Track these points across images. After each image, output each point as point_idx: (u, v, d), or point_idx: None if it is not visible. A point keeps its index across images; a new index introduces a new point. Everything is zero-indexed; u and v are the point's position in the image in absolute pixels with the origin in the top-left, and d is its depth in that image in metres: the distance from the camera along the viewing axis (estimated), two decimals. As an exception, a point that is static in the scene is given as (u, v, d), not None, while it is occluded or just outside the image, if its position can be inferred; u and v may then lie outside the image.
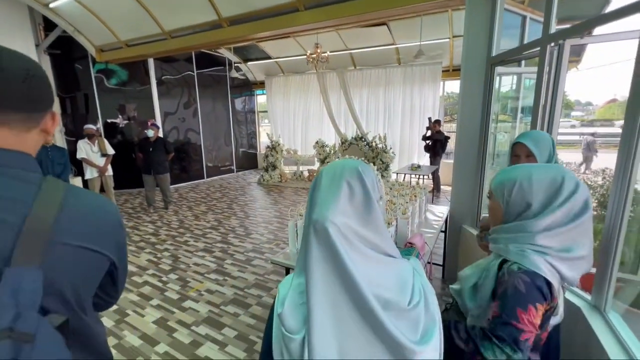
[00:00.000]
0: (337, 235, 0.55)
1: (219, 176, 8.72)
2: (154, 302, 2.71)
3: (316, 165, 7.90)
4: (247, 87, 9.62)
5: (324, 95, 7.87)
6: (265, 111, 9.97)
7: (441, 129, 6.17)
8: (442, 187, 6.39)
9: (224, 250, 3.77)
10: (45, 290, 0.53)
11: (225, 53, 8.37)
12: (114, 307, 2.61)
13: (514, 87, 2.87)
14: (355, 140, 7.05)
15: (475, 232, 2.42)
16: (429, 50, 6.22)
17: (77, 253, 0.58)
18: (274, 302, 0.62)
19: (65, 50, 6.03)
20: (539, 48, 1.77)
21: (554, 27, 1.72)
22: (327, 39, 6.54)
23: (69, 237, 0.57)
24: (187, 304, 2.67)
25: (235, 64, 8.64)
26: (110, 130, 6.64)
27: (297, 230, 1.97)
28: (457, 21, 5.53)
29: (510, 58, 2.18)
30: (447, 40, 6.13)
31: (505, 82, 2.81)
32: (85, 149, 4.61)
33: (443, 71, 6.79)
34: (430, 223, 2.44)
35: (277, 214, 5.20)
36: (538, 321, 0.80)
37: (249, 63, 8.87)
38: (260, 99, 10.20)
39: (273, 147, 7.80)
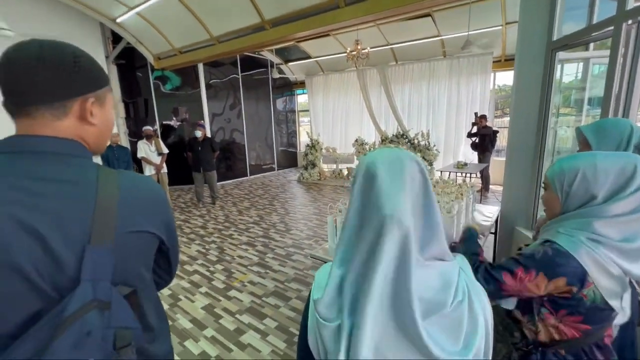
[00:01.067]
0: (410, 234, 0.52)
1: (261, 174, 9.07)
2: (203, 289, 2.91)
3: (355, 163, 7.84)
4: (288, 88, 9.86)
5: (364, 92, 7.78)
6: (306, 110, 10.13)
7: (488, 124, 5.75)
8: (491, 186, 5.96)
9: (265, 244, 3.92)
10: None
11: (267, 55, 8.66)
12: (169, 291, 2.86)
13: (579, 75, 2.58)
14: (396, 137, 6.86)
15: (530, 234, 2.22)
16: (478, 40, 5.82)
17: (134, 236, 0.63)
18: (311, 289, 0.62)
19: (129, 60, 6.71)
20: (612, 27, 1.57)
21: (632, 3, 1.50)
22: (368, 35, 6.44)
23: (129, 224, 0.62)
24: (232, 293, 2.83)
25: (277, 65, 8.90)
26: (166, 131, 7.26)
27: (336, 227, 1.98)
28: (511, 7, 5.10)
29: (576, 41, 1.96)
30: (499, 27, 5.68)
31: (568, 70, 2.53)
32: (144, 149, 5.10)
33: (494, 62, 6.30)
34: (479, 223, 2.29)
35: (316, 211, 5.26)
36: (538, 290, 0.83)
37: (290, 64, 9.07)
38: (300, 98, 10.39)
39: (312, 146, 7.90)
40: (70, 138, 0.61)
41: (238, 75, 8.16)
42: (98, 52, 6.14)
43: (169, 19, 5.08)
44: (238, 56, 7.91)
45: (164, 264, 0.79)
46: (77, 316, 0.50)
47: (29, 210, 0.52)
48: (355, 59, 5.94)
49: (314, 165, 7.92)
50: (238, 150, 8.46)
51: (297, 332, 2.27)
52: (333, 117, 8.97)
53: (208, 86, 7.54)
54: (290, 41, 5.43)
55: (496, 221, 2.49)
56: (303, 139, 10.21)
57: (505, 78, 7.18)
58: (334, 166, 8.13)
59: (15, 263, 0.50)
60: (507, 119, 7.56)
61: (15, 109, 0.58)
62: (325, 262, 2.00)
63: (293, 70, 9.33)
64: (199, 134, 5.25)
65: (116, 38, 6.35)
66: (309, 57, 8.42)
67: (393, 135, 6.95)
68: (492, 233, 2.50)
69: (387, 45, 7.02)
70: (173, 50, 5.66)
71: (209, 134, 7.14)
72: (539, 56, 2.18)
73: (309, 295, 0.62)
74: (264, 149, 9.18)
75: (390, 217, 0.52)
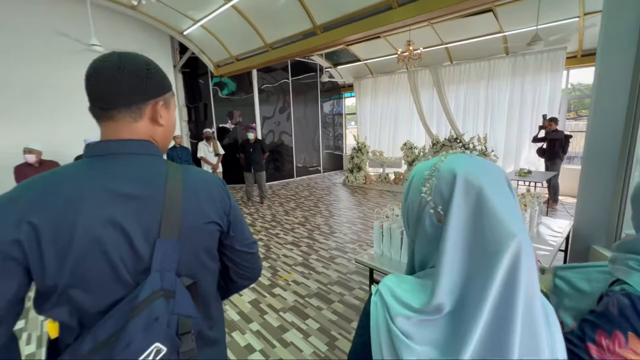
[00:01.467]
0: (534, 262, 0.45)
1: (307, 176, 9.25)
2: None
3: (403, 168, 7.58)
4: (336, 91, 9.93)
5: (414, 94, 7.50)
6: (353, 113, 10.10)
7: (558, 127, 5.13)
8: (560, 197, 5.31)
9: (309, 245, 3.98)
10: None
11: (317, 59, 8.83)
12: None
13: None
14: (448, 141, 6.48)
15: (610, 254, 1.92)
16: (549, 34, 5.24)
17: (197, 227, 0.68)
18: (369, 298, 0.54)
19: (193, 68, 7.36)
20: None
21: None
22: (420, 35, 6.20)
23: (192, 216, 0.67)
24: (277, 290, 2.92)
25: (326, 69, 9.02)
26: (221, 134, 7.80)
27: (382, 232, 1.93)
28: (590, -5, 4.51)
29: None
30: (575, 19, 5.06)
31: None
32: (203, 149, 5.54)
33: (568, 58, 5.63)
34: (545, 239, 2.05)
35: (361, 215, 5.19)
36: (633, 357, 0.60)
37: (339, 67, 9.14)
38: (348, 101, 10.39)
39: (359, 149, 7.83)
40: (145, 139, 0.69)
41: (288, 79, 8.45)
42: (167, 62, 6.84)
43: (227, 28, 5.47)
44: (289, 61, 8.19)
45: (238, 257, 0.81)
46: (147, 303, 0.56)
47: (116, 208, 0.59)
48: (407, 60, 5.76)
49: (359, 168, 7.85)
50: (286, 152, 8.74)
51: (339, 337, 2.25)
52: (381, 120, 8.81)
53: (260, 91, 7.94)
54: (341, 45, 5.47)
55: (567, 238, 2.20)
56: (349, 142, 10.19)
57: (581, 76, 6.37)
58: (380, 170, 7.96)
59: (106, 256, 0.58)
60: (582, 122, 6.68)
61: (101, 114, 0.66)
62: (370, 268, 1.94)
63: (342, 73, 9.38)
64: (251, 136, 5.55)
65: (182, 49, 7.01)
66: (357, 60, 8.40)
67: (445, 139, 6.58)
68: (561, 250, 2.21)
69: (441, 44, 6.68)
70: (231, 57, 6.07)
71: (259, 136, 7.51)
72: (628, 49, 1.88)
73: (367, 306, 0.54)
74: (310, 152, 9.36)
75: (519, 242, 0.44)
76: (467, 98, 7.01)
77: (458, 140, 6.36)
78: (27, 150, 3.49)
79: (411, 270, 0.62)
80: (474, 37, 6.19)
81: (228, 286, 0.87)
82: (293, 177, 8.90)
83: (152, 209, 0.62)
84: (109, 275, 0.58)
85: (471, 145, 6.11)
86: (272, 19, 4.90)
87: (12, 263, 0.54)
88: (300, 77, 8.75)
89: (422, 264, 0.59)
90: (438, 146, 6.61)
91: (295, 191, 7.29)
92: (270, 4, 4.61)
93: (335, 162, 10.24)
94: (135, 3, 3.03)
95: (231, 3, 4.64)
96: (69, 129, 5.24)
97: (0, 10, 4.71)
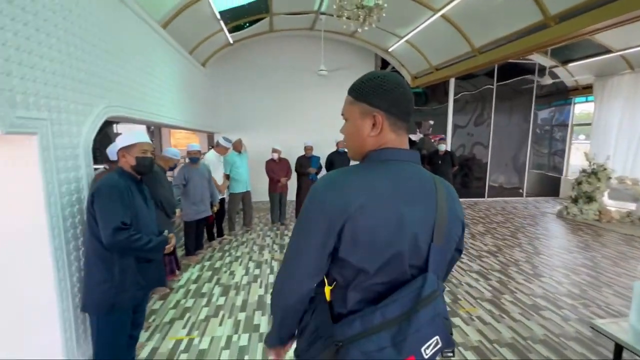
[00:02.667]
0: None
1: (503, 198, 7.77)
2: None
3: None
4: (561, 95, 7.74)
5: None
6: (586, 124, 7.55)
7: None
8: None
9: (502, 282, 3.29)
10: None
11: (536, 58, 7.21)
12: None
13: None
14: None
15: None
16: None
17: (452, 236, 0.74)
18: None
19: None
20: None
21: None
22: None
23: (453, 226, 0.74)
24: (456, 320, 2.59)
25: (550, 68, 7.20)
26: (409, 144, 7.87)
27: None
28: None
29: None
30: None
31: None
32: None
33: None
34: None
35: (590, 264, 3.77)
36: None
37: (570, 64, 7.05)
38: (578, 108, 7.85)
39: (593, 173, 5.74)
40: (411, 150, 0.77)
41: (492, 85, 7.40)
42: (370, 78, 7.65)
43: (430, 39, 5.42)
44: (495, 65, 7.14)
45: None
46: (431, 299, 0.63)
47: (407, 209, 0.67)
48: None
49: (590, 199, 5.74)
50: (477, 167, 7.71)
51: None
52: (635, 135, 6.06)
53: (456, 99, 7.39)
54: (582, 36, 4.17)
55: None
56: (574, 162, 7.70)
57: None
58: (631, 206, 5.49)
59: (400, 248, 0.67)
60: None
61: (402, 125, 0.75)
62: (617, 345, 1.35)
63: (573, 71, 7.20)
64: (443, 147, 5.26)
65: (384, 65, 7.62)
66: (606, 52, 6.15)
67: None
68: None
69: None
70: (430, 68, 6.00)
71: (448, 148, 7.01)
72: None
73: None
74: (509, 169, 7.80)
75: None
76: None
77: None
78: (274, 150, 4.89)
79: None
80: None
81: None
82: (483, 196, 7.72)
83: (431, 213, 0.70)
84: (400, 266, 0.68)
85: None
86: (483, 21, 4.42)
87: (337, 229, 0.66)
88: (509, 81, 7.44)
89: None
90: None
91: (485, 213, 6.29)
92: (483, 4, 4.17)
93: (547, 186, 8.01)
94: (359, 30, 3.54)
95: (440, 13, 4.56)
96: (295, 136, 6.93)
97: (273, 55, 6.89)
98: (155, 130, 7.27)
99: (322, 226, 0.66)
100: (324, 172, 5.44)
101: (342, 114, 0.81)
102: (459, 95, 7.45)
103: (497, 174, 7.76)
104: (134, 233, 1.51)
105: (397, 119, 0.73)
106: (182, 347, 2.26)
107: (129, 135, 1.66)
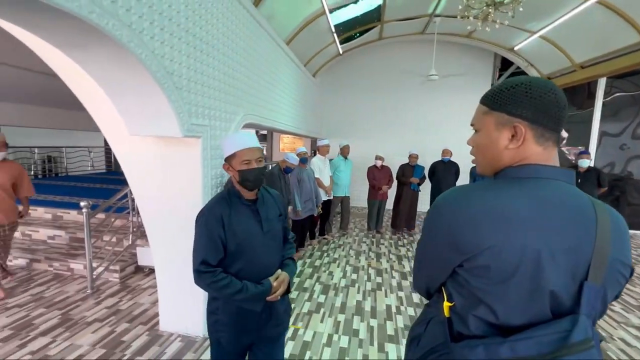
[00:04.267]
0: None
1: (676, 233, 5.78)
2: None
3: None
4: None
5: None
6: None
7: None
8: None
9: (682, 348, 2.42)
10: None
11: None
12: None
13: None
14: None
15: None
16: None
17: (617, 267, 0.59)
18: None
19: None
20: None
21: None
22: None
23: (617, 254, 0.59)
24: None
25: None
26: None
27: None
28: None
29: None
30: None
31: None
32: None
33: None
34: None
35: None
36: None
37: None
38: None
39: None
40: (563, 167, 0.64)
41: (668, 84, 5.60)
42: (486, 80, 6.83)
43: (576, 31, 4.48)
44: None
45: None
46: (581, 347, 0.52)
47: (556, 239, 0.56)
48: None
49: None
50: (634, 190, 5.94)
51: None
52: None
53: (604, 104, 5.89)
54: None
55: None
56: None
57: None
58: None
59: (542, 285, 0.56)
60: None
61: (549, 136, 0.63)
62: None
63: None
64: (586, 163, 4.24)
65: (504, 66, 6.69)
66: None
67: None
68: None
69: None
70: (572, 66, 4.96)
71: (591, 164, 5.63)
72: None
73: None
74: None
75: None
76: None
77: None
78: (377, 157, 4.88)
79: None
80: None
81: None
82: (638, 228, 5.91)
83: (584, 244, 0.58)
84: (535, 297, 0.58)
85: None
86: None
87: (461, 259, 0.62)
88: (698, 77, 5.50)
89: None
90: None
91: (646, 251, 4.79)
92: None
93: None
94: (480, 28, 3.21)
95: (596, -2, 3.72)
96: (398, 144, 6.76)
97: (380, 62, 6.92)
98: (267, 135, 8.22)
99: (444, 250, 0.65)
100: (427, 182, 5.13)
101: (472, 124, 0.72)
102: (611, 97, 5.91)
103: (669, 201, 5.81)
104: (220, 278, 1.19)
105: (546, 129, 0.62)
106: (288, 334, 2.46)
107: (227, 142, 1.27)
